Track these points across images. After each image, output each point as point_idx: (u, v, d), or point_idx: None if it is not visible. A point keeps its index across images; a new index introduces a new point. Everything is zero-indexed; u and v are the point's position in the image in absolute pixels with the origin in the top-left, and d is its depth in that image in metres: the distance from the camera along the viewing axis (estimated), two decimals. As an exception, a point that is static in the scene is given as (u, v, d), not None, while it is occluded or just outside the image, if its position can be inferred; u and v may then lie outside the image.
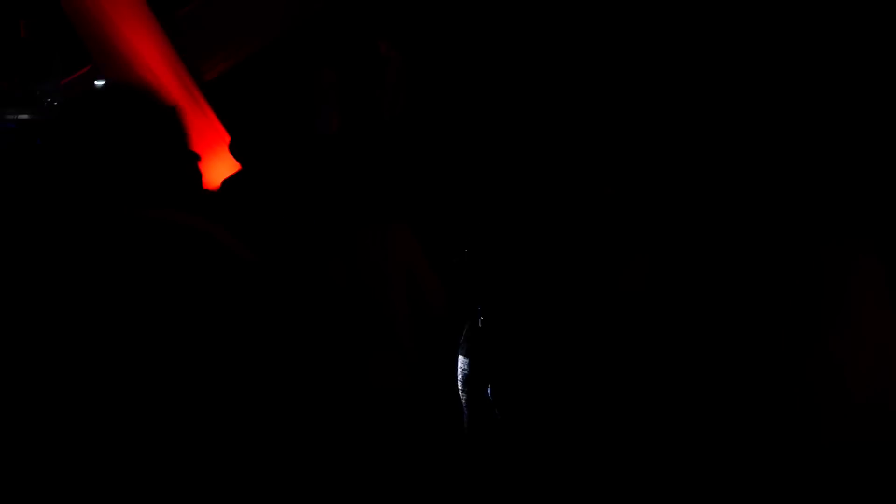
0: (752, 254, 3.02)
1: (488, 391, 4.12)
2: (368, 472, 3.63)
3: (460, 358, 4.27)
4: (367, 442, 3.73)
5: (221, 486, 1.82)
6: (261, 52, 11.00)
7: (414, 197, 6.35)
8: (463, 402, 4.34)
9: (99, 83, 8.91)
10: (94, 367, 1.83)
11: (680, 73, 9.09)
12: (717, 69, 8.86)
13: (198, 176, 2.23)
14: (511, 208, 4.49)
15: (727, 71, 8.76)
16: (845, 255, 2.54)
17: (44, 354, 1.85)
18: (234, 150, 7.52)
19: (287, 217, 4.83)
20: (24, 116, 8.29)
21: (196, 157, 2.25)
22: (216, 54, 10.84)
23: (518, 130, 9.13)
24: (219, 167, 8.67)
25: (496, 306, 4.14)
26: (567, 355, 4.01)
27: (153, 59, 9.95)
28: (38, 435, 1.83)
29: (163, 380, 1.83)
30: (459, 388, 4.30)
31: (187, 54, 10.17)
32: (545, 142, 8.80)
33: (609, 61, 9.53)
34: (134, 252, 1.93)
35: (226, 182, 7.40)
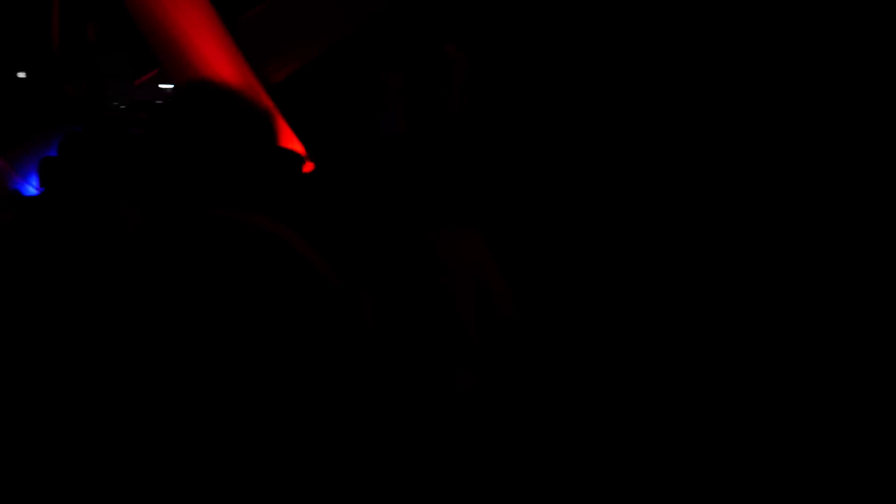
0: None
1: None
2: (438, 465, 3.61)
3: None
4: (437, 439, 3.70)
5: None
6: (326, 55, 10.99)
7: (481, 198, 6.25)
8: None
9: (166, 86, 8.95)
10: (160, 362, 1.80)
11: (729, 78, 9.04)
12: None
13: (294, 177, 2.17)
14: (570, 208, 4.48)
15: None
16: None
17: (106, 349, 1.82)
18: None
19: (355, 218, 4.80)
20: (91, 119, 8.34)
21: (299, 159, 2.21)
22: (282, 57, 10.85)
23: (576, 132, 9.06)
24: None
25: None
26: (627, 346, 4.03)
27: (219, 63, 9.97)
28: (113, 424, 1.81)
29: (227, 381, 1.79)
30: None
31: (253, 57, 10.17)
32: (601, 144, 8.74)
33: (664, 67, 9.46)
34: (214, 256, 1.89)
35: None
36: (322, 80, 10.91)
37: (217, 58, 10.03)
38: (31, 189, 9.17)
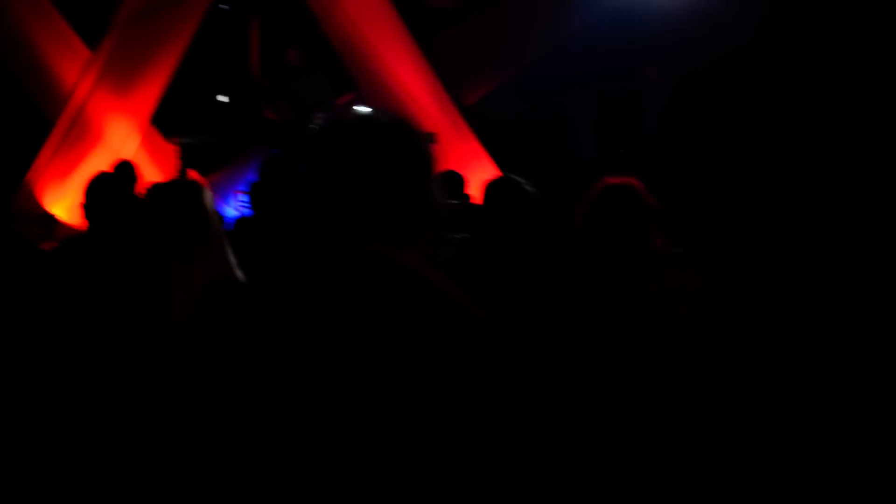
0: None
1: None
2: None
3: None
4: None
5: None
6: (519, 76, 10.96)
7: (683, 223, 5.99)
8: None
9: (362, 109, 9.05)
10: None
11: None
12: None
13: (439, 213, 2.05)
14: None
15: None
16: None
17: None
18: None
19: (554, 241, 4.73)
20: (292, 142, 8.50)
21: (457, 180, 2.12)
22: (476, 79, 10.88)
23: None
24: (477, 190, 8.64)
25: None
26: None
27: (415, 85, 10.08)
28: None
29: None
30: None
31: (448, 79, 10.23)
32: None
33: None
34: (357, 294, 1.81)
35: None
36: (515, 100, 10.85)
37: (412, 80, 10.12)
38: (232, 211, 9.43)
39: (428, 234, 1.96)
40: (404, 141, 1.99)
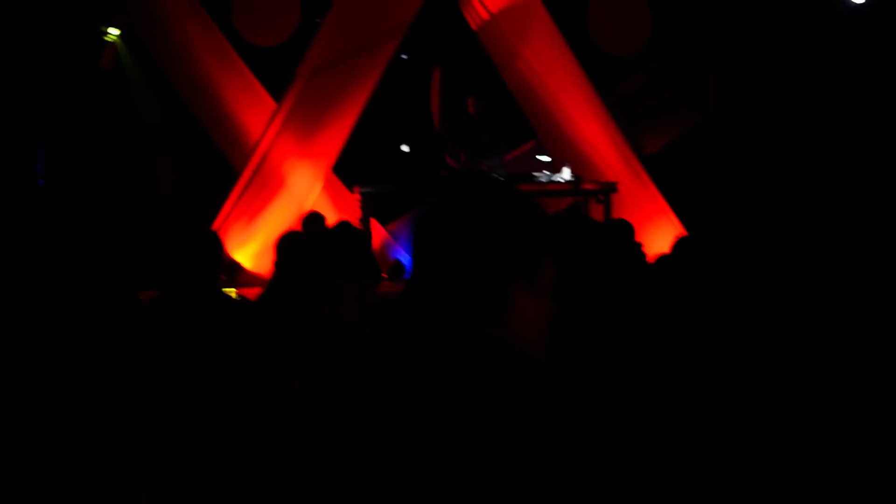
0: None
1: None
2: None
3: None
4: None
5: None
6: (701, 125, 10.72)
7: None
8: None
9: (543, 158, 8.99)
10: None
11: None
12: None
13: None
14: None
15: None
16: None
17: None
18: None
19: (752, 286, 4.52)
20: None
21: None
22: (656, 128, 10.68)
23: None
24: (658, 239, 8.44)
25: None
26: None
27: (595, 134, 9.94)
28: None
29: None
30: None
31: (628, 128, 10.07)
32: None
33: None
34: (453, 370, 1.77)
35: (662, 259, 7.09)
36: (696, 149, 10.60)
37: (592, 128, 9.99)
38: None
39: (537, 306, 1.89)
40: (511, 213, 1.92)
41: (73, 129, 9.68)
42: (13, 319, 4.09)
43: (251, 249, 9.69)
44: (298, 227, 7.40)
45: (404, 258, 9.58)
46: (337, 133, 9.76)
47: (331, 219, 10.05)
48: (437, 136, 10.20)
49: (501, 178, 8.55)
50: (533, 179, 8.59)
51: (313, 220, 8.05)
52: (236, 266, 9.58)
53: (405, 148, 8.81)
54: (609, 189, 8.64)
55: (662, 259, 5.35)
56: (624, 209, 8.67)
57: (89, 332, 4.08)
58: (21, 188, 8.94)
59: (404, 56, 9.99)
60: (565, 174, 8.58)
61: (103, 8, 9.66)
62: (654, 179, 9.99)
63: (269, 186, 9.73)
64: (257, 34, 10.33)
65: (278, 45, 10.29)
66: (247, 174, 9.68)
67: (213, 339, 3.80)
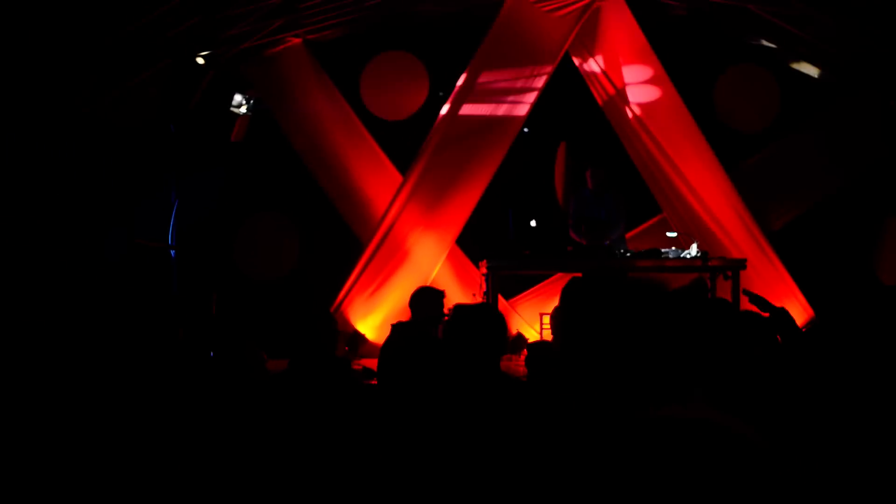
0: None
1: None
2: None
3: None
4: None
5: None
6: (825, 202, 10.54)
7: None
8: None
9: (671, 234, 8.87)
10: None
11: None
12: None
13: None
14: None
15: None
16: None
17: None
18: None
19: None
20: (595, 265, 8.43)
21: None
22: (783, 204, 10.53)
23: None
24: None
25: None
26: None
27: (719, 208, 9.83)
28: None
29: None
30: None
31: (755, 204, 9.94)
32: None
33: None
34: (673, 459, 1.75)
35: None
36: (823, 226, 10.42)
37: (719, 205, 9.88)
38: (534, 334, 9.41)
39: None
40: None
41: (205, 199, 9.89)
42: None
43: (374, 321, 9.73)
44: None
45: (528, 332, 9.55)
46: (461, 206, 9.82)
47: (452, 291, 10.08)
48: (562, 211, 10.17)
49: (625, 255, 8.48)
50: (661, 255, 8.48)
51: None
52: (360, 337, 9.63)
53: (532, 223, 8.78)
54: (738, 266, 8.49)
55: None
56: (752, 287, 8.51)
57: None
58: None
59: (526, 129, 10.03)
60: (692, 250, 8.46)
61: (237, 83, 9.91)
62: (780, 257, 9.84)
63: (393, 259, 9.80)
64: (385, 109, 10.51)
65: (405, 120, 10.46)
66: (372, 246, 9.77)
67: (331, 408, 3.87)
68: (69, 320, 6.84)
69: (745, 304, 5.57)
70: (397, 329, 5.71)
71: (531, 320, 9.77)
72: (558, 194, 10.72)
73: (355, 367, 7.79)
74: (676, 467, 1.72)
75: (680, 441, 1.76)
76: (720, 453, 1.72)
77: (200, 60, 9.12)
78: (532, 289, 10.23)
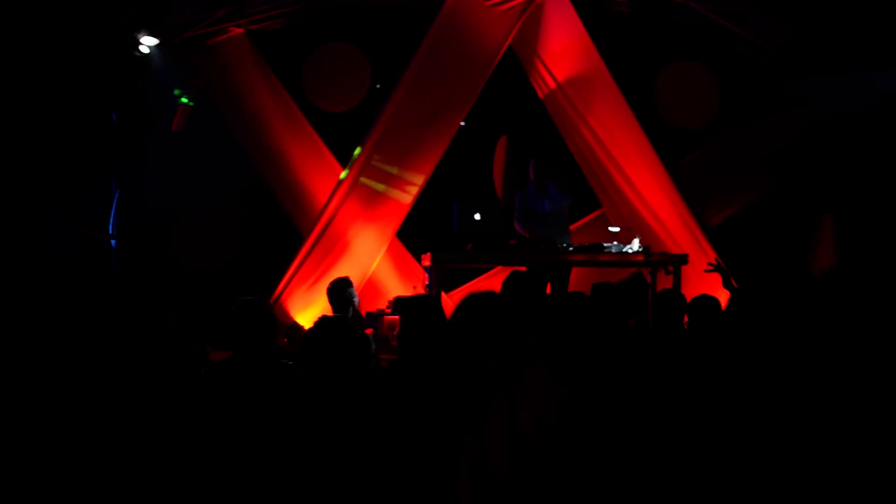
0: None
1: None
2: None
3: None
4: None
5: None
6: (762, 199, 10.69)
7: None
8: None
9: (613, 229, 8.95)
10: None
11: None
12: None
13: None
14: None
15: None
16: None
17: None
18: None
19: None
20: (536, 260, 8.49)
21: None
22: (721, 200, 10.68)
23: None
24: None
25: None
26: None
27: (658, 204, 9.95)
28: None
29: None
30: None
31: (693, 200, 10.07)
32: None
33: None
34: None
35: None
36: (758, 222, 10.58)
37: (658, 200, 10.01)
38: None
39: None
40: None
41: (144, 186, 9.78)
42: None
43: (313, 313, 9.69)
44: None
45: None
46: (402, 199, 9.84)
47: (392, 284, 10.08)
48: (502, 204, 10.20)
49: (567, 249, 8.54)
50: (603, 250, 8.55)
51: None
52: (298, 329, 9.59)
53: (476, 216, 8.77)
54: (680, 261, 8.59)
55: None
56: (687, 280, 8.63)
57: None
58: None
59: (462, 123, 10.03)
60: (634, 245, 8.54)
61: (180, 72, 9.79)
62: (717, 252, 9.96)
63: (333, 251, 9.76)
64: (327, 100, 10.45)
65: (347, 111, 10.42)
66: (311, 238, 9.72)
67: (267, 399, 3.89)
68: (11, 315, 6.73)
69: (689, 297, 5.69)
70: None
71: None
72: (497, 188, 10.77)
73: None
74: None
75: None
76: None
77: (144, 49, 9.01)
78: (472, 282, 10.27)
